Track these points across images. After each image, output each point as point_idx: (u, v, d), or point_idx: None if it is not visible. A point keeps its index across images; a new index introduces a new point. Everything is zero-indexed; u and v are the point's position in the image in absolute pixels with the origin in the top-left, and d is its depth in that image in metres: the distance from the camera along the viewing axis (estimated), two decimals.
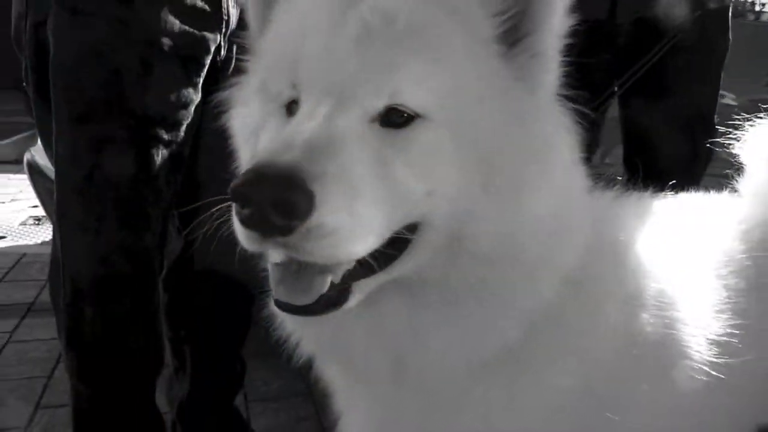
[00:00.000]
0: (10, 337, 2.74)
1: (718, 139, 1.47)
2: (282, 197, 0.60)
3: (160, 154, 1.38)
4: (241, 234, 0.66)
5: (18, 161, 7.06)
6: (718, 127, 1.50)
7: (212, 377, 1.81)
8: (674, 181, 1.99)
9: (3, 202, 5.12)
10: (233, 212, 0.64)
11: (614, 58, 1.97)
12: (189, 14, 1.38)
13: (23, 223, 4.51)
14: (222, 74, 1.48)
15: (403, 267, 0.75)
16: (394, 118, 0.71)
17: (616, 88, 1.94)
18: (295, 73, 0.74)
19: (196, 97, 1.43)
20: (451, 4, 0.75)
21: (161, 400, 1.72)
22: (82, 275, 1.39)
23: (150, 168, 1.37)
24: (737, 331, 0.98)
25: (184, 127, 1.41)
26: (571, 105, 0.83)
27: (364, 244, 0.67)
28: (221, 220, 0.73)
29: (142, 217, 1.41)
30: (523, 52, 0.77)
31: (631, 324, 0.87)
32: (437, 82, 0.71)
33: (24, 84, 1.43)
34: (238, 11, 1.50)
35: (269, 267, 0.74)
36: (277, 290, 0.72)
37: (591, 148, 2.07)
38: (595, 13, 1.91)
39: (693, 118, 1.98)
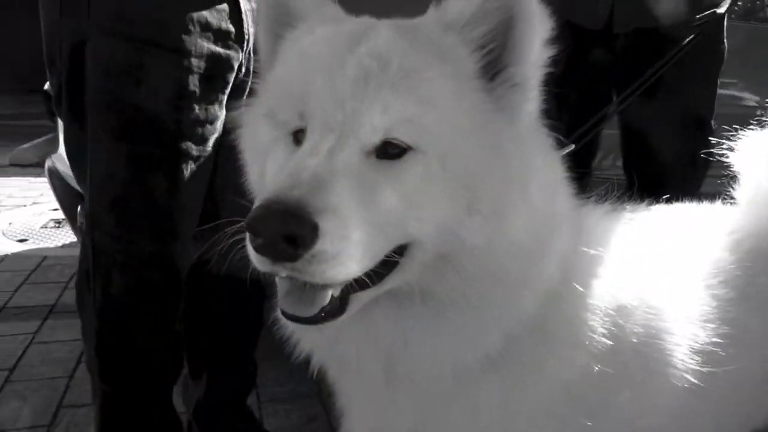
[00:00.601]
0: (33, 338, 2.84)
1: (713, 149, 1.51)
2: (289, 230, 0.69)
3: (189, 169, 1.46)
4: (254, 257, 0.74)
5: (39, 164, 7.24)
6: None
7: (226, 379, 1.89)
8: (674, 184, 2.03)
9: (24, 206, 5.25)
10: (247, 239, 0.72)
11: (613, 67, 2.01)
12: (217, 36, 1.46)
13: (44, 226, 4.62)
14: (240, 89, 1.56)
15: (394, 282, 0.83)
16: (389, 150, 0.79)
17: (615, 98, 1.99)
18: (302, 107, 0.82)
19: (221, 113, 1.51)
20: (437, 46, 0.82)
21: (177, 401, 1.80)
22: (114, 283, 1.47)
23: (180, 182, 1.46)
24: (724, 341, 1.03)
25: (211, 142, 1.49)
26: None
27: (360, 265, 0.75)
28: (235, 238, 0.80)
29: (172, 227, 1.49)
30: (503, 84, 0.84)
31: (615, 334, 0.92)
32: (426, 119, 0.79)
33: (53, 101, 1.50)
34: (256, 29, 1.58)
35: (277, 281, 0.81)
36: (283, 302, 0.80)
37: (590, 155, 2.11)
38: (593, 24, 1.98)
39: (691, 123, 2.00)
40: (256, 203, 0.73)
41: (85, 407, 2.16)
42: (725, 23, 2.00)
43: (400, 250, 0.81)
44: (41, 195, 5.51)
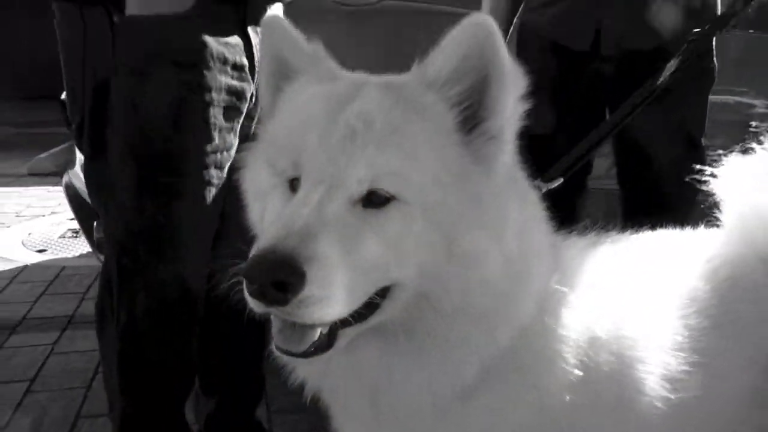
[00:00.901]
0: (53, 349, 2.95)
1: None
2: (279, 278, 0.77)
3: (211, 195, 1.55)
4: (250, 300, 0.82)
5: (57, 174, 7.39)
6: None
7: (236, 394, 1.99)
8: (668, 201, 2.06)
9: (43, 215, 5.39)
10: (244, 284, 0.80)
11: (603, 87, 2.07)
12: (234, 70, 1.56)
13: (62, 236, 4.76)
14: (249, 117, 1.66)
15: (378, 319, 0.91)
16: (374, 200, 0.87)
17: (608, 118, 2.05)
18: (297, 159, 0.90)
19: (236, 141, 1.61)
20: (419, 104, 0.90)
21: (188, 414, 1.89)
22: (138, 306, 1.57)
23: (203, 208, 1.56)
24: (695, 369, 1.10)
25: (227, 168, 1.59)
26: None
27: (345, 307, 0.83)
28: (234, 280, 0.88)
29: (193, 251, 1.59)
30: (480, 137, 0.91)
31: (587, 364, 0.99)
32: (408, 171, 0.86)
33: (75, 133, 1.60)
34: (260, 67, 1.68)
35: (272, 319, 0.89)
36: (277, 338, 0.88)
37: (584, 174, 2.16)
38: (579, 45, 2.03)
39: (681, 142, 2.05)
40: (253, 251, 0.81)
41: (103, 417, 2.26)
42: (714, 42, 2.04)
43: (384, 291, 0.89)
44: (59, 204, 5.63)
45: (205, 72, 1.49)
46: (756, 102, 3.33)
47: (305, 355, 0.87)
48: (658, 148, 2.05)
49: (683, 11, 2.00)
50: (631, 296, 1.15)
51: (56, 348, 2.97)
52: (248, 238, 1.06)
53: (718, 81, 3.05)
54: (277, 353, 0.90)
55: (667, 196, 2.05)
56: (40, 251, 4.42)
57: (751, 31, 3.25)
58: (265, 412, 2.38)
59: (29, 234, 4.78)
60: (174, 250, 1.55)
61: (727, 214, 1.47)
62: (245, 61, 1.61)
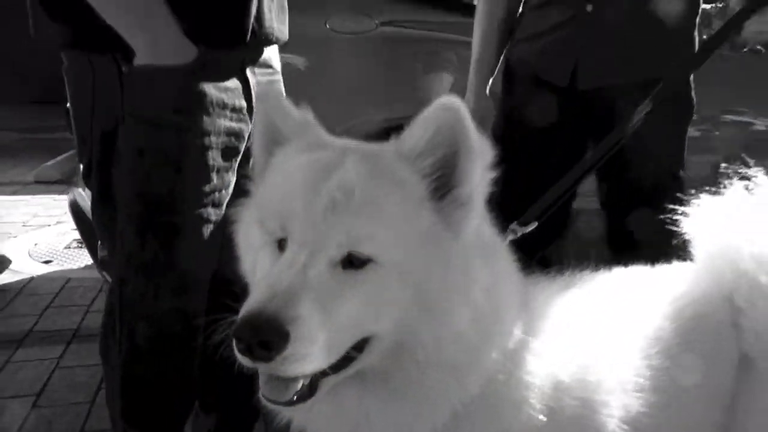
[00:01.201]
0: (58, 363, 3.05)
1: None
2: (264, 338, 0.86)
3: (208, 231, 1.65)
4: (238, 356, 0.91)
5: (62, 182, 7.48)
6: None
7: (236, 412, 2.08)
8: (647, 230, 2.11)
9: (48, 225, 5.48)
10: (233, 341, 0.89)
11: (584, 121, 2.14)
12: (232, 113, 1.65)
13: (68, 247, 4.85)
14: (246, 156, 1.74)
15: (357, 368, 1.00)
16: (353, 261, 0.96)
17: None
18: (284, 223, 0.99)
19: (233, 178, 1.70)
20: (395, 175, 0.99)
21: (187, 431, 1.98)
22: (139, 335, 1.66)
23: (201, 244, 1.64)
24: (657, 410, 1.18)
25: (225, 205, 1.68)
26: None
27: (326, 361, 0.93)
28: (226, 332, 0.97)
29: (193, 284, 1.68)
30: (450, 204, 1.00)
31: (552, 409, 1.08)
32: (383, 236, 0.95)
33: (83, 172, 1.69)
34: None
35: (259, 371, 0.98)
36: (263, 389, 0.98)
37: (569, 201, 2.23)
38: (559, 80, 2.11)
39: (661, 176, 2.10)
40: (243, 311, 0.91)
41: None
42: (692, 79, 2.12)
43: (362, 343, 0.98)
44: (65, 213, 5.71)
45: (205, 118, 1.58)
46: (756, 121, 3.41)
47: (289, 404, 0.96)
48: (638, 178, 2.11)
49: (661, 47, 2.06)
50: (597, 339, 1.23)
51: (61, 362, 3.06)
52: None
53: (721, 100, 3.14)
54: (264, 402, 0.99)
55: (646, 226, 2.12)
56: (46, 262, 4.52)
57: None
58: (263, 429, 2.46)
59: (35, 244, 4.88)
60: (173, 284, 1.64)
61: (696, 252, 1.55)
62: (243, 103, 1.70)
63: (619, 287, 1.42)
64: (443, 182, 1.00)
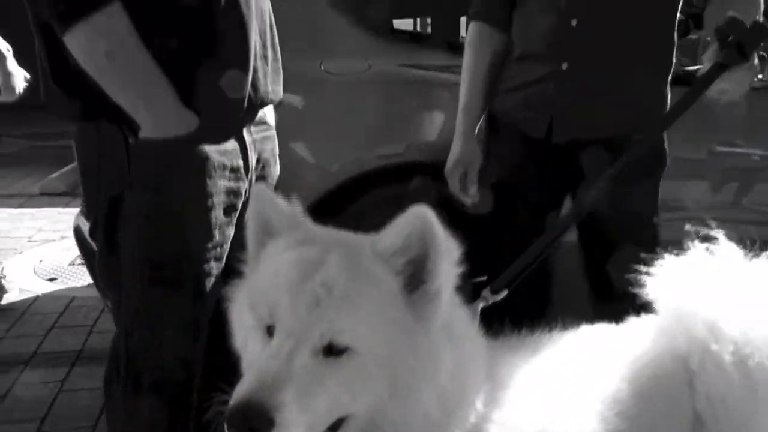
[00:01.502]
0: (62, 385, 3.17)
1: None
2: (251, 425, 0.99)
3: (210, 283, 1.76)
4: None
5: (67, 193, 7.59)
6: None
7: None
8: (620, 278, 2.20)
9: (53, 240, 5.60)
10: (225, 425, 1.02)
11: (561, 174, 2.25)
12: (231, 173, 1.77)
13: (72, 263, 4.97)
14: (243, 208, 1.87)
15: None
16: (333, 350, 1.08)
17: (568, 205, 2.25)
18: (273, 312, 1.12)
19: (232, 232, 1.82)
20: (371, 274, 1.12)
21: None
22: (144, 381, 1.77)
23: (204, 295, 1.76)
24: None
25: (224, 257, 1.80)
26: None
27: None
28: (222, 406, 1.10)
29: (195, 333, 1.80)
30: (420, 297, 1.13)
31: None
32: (361, 328, 1.08)
33: (89, 229, 1.81)
34: (256, 155, 1.90)
35: None
36: None
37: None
38: (536, 133, 2.22)
39: (634, 224, 2.20)
40: (233, 398, 1.03)
41: None
42: (665, 136, 2.20)
43: (338, 422, 1.11)
44: (69, 228, 5.85)
45: (208, 181, 1.70)
46: (752, 151, 3.50)
47: None
48: (612, 230, 2.20)
49: (633, 106, 2.17)
50: (559, 404, 1.35)
51: (65, 385, 3.18)
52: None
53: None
54: None
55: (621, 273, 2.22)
56: (51, 279, 4.65)
57: None
58: None
59: (40, 261, 5.01)
60: (178, 335, 1.76)
61: (658, 312, 1.66)
62: (241, 162, 1.82)
63: (583, 348, 1.53)
64: (414, 278, 1.13)
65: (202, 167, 1.70)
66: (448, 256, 1.12)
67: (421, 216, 1.08)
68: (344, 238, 1.21)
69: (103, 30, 1.55)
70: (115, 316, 1.91)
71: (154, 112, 1.62)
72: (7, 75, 3.72)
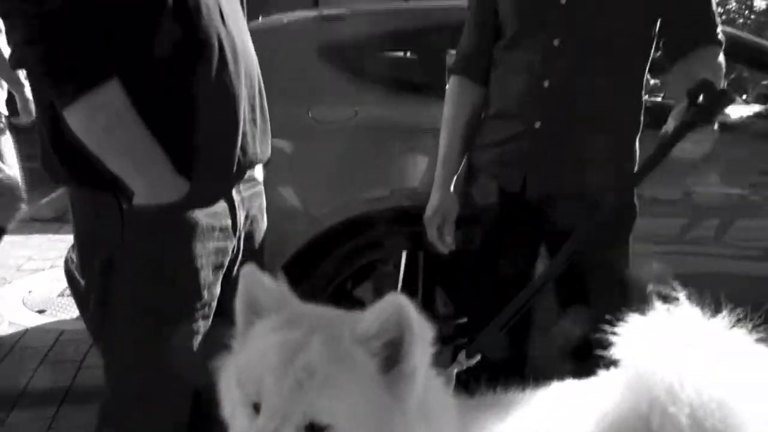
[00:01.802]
0: (50, 425, 3.19)
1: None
2: None
3: (197, 343, 1.84)
4: None
5: (57, 219, 7.59)
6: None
7: None
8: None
9: (42, 269, 5.63)
10: None
11: (535, 229, 2.36)
12: (219, 233, 1.86)
13: (61, 294, 5.00)
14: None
15: None
16: (315, 427, 1.17)
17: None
18: (259, 391, 1.20)
19: (218, 290, 1.89)
20: (350, 357, 1.21)
21: None
22: (136, 427, 1.84)
23: (191, 354, 1.82)
24: None
25: (211, 317, 1.88)
26: None
27: None
28: None
29: (183, 390, 1.86)
30: (396, 376, 1.21)
31: None
32: (340, 408, 1.17)
33: (84, 286, 1.89)
34: (245, 213, 1.99)
35: None
36: None
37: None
38: (511, 187, 2.32)
39: (605, 280, 2.28)
40: None
41: None
42: (635, 191, 2.31)
43: None
44: (60, 257, 5.88)
45: (198, 244, 1.78)
46: None
47: None
48: (585, 282, 2.29)
49: (602, 163, 2.26)
50: None
51: (54, 424, 3.21)
52: None
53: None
54: None
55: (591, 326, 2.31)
56: (40, 312, 4.68)
57: None
58: None
59: (29, 292, 5.04)
60: (166, 391, 1.84)
61: (624, 374, 1.75)
62: (229, 222, 1.90)
63: (553, 406, 1.62)
64: (390, 360, 1.22)
65: (192, 231, 1.78)
66: (422, 339, 1.21)
67: (397, 304, 1.18)
68: (327, 319, 1.30)
69: (101, 106, 1.64)
70: (105, 370, 1.98)
71: (149, 180, 1.70)
72: (26, 101, 4.52)
